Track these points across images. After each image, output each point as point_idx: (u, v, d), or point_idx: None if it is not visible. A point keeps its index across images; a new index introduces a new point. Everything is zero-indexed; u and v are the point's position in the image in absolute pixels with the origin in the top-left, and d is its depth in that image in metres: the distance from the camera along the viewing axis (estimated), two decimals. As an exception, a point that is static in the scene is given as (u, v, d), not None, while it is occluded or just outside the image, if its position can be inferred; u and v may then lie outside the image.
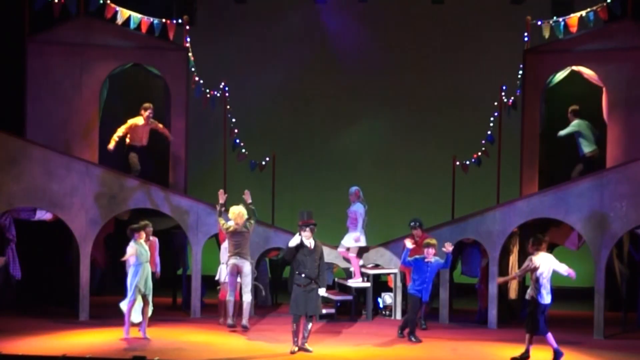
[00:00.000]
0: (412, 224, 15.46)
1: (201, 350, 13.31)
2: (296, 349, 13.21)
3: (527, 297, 13.37)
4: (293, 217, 15.70)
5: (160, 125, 16.74)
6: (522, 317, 16.28)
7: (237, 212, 14.78)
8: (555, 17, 16.62)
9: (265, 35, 19.98)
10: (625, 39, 16.16)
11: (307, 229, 13.39)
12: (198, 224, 15.80)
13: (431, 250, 14.20)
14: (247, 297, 14.74)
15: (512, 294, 16.02)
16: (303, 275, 13.29)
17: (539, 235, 13.55)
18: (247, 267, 14.75)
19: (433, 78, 19.83)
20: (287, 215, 17.47)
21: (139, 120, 16.52)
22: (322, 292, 13.53)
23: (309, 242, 13.39)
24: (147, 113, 16.52)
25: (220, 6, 19.66)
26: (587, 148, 16.26)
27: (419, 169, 19.74)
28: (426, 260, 14.25)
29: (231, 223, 14.78)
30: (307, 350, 13.25)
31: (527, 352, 13.24)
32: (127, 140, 16.59)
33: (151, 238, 14.99)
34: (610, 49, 16.19)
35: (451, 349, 13.84)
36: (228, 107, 17.54)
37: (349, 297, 16.02)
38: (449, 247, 14.02)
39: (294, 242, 13.38)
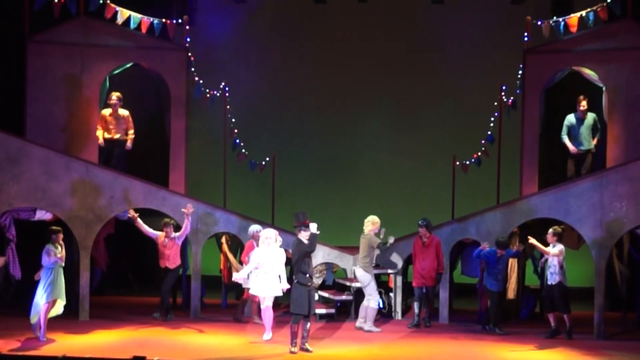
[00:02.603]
0: (420, 222, 15.47)
1: (201, 350, 13.31)
2: (296, 349, 13.19)
3: (554, 282, 14.45)
4: (293, 217, 15.69)
5: (130, 127, 16.82)
6: (521, 317, 16.34)
7: (371, 220, 15.23)
8: (555, 17, 16.63)
9: (265, 35, 19.98)
10: (625, 39, 16.17)
11: (307, 229, 13.34)
12: (198, 224, 15.78)
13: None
14: (367, 303, 15.09)
15: (511, 294, 16.01)
16: (307, 274, 13.26)
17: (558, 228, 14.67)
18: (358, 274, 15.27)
19: (433, 78, 19.84)
20: (287, 215, 17.40)
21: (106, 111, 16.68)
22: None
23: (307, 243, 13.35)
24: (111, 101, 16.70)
25: (220, 6, 19.67)
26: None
27: (418, 168, 19.75)
28: (499, 254, 14.94)
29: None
30: (307, 351, 13.23)
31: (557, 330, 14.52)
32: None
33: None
34: (610, 49, 16.20)
35: (451, 349, 13.85)
36: (228, 107, 17.54)
37: (349, 297, 16.00)
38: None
39: (314, 228, 13.38)
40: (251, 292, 14.35)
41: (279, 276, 13.91)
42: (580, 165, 16.27)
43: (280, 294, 14.07)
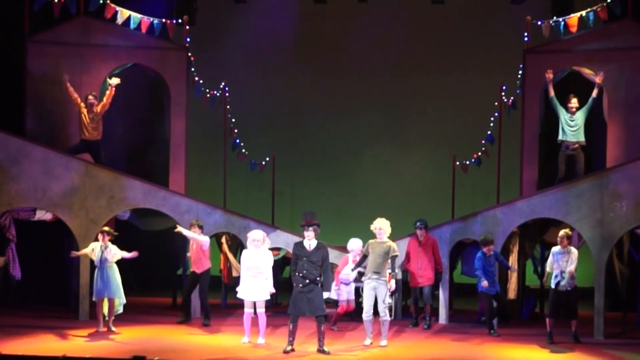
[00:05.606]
0: (418, 224, 15.43)
1: (201, 350, 13.30)
2: (290, 348, 13.12)
3: (571, 287, 14.08)
4: (293, 217, 15.71)
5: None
6: (522, 317, 16.34)
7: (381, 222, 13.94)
8: (555, 17, 16.65)
9: (266, 36, 19.98)
10: (625, 39, 16.18)
11: (310, 229, 13.24)
12: (198, 224, 15.76)
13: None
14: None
15: (512, 294, 16.00)
16: (300, 276, 13.19)
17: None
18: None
19: (433, 78, 19.85)
20: (287, 215, 17.46)
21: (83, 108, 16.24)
22: (325, 295, 13.37)
23: (309, 244, 13.30)
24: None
25: (220, 6, 19.68)
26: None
27: (419, 169, 19.75)
28: (488, 255, 14.75)
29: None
30: (324, 352, 13.04)
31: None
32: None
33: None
34: (610, 49, 16.21)
35: (451, 349, 13.84)
36: (228, 107, 17.55)
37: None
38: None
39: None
40: (238, 296, 13.94)
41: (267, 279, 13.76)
42: (574, 166, 16.16)
43: (268, 297, 13.95)
